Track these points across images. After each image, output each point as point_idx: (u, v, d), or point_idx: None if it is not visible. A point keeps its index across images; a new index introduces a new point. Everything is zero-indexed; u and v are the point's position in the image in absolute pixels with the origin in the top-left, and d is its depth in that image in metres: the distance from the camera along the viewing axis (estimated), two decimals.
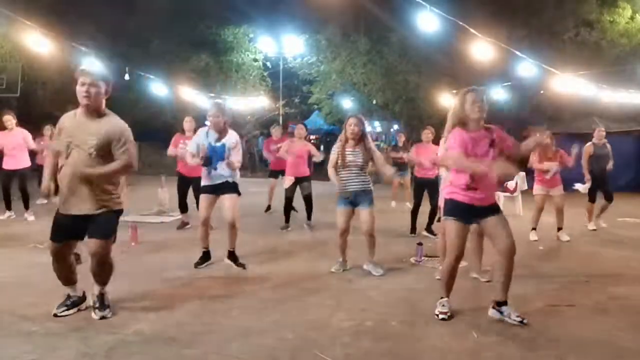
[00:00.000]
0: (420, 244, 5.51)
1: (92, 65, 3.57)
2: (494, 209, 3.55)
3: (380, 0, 14.08)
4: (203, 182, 4.95)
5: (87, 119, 3.43)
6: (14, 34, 12.81)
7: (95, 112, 3.43)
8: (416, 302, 4.01)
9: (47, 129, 9.23)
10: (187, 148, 5.15)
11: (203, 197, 4.93)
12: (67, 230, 3.50)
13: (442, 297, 3.68)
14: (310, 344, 3.12)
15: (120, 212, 3.60)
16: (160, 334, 3.23)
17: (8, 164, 7.69)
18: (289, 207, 7.31)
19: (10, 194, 7.75)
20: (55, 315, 3.48)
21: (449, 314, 3.59)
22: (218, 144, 4.82)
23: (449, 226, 3.57)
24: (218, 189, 4.88)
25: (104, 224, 3.45)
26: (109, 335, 3.17)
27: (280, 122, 21.53)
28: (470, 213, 3.51)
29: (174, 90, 13.27)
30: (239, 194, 4.96)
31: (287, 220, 7.29)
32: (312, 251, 5.88)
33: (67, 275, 3.61)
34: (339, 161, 4.80)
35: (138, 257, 5.35)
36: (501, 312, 3.55)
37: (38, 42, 7.91)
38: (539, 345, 3.17)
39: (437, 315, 3.59)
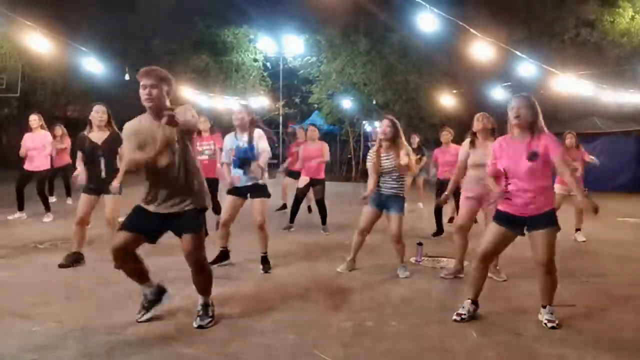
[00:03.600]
0: (420, 243, 5.50)
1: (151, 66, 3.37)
2: (543, 221, 3.43)
3: (380, 1, 14.09)
4: (230, 185, 4.87)
5: (152, 122, 3.25)
6: (14, 34, 12.83)
7: (160, 114, 3.17)
8: (416, 302, 4.00)
9: (58, 129, 9.21)
10: (222, 161, 5.11)
11: (230, 199, 4.85)
12: (144, 222, 3.35)
13: (468, 298, 3.65)
14: (310, 344, 3.11)
15: (205, 209, 3.48)
16: (160, 334, 3.22)
17: (28, 165, 7.65)
18: (297, 207, 7.29)
19: (24, 195, 7.69)
20: (138, 321, 3.41)
21: (464, 316, 3.54)
22: (247, 146, 4.75)
23: (489, 227, 3.63)
24: (247, 192, 4.82)
25: (192, 220, 3.35)
26: (109, 335, 3.16)
27: (280, 121, 21.58)
28: (511, 221, 3.47)
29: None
30: (269, 196, 4.90)
31: (292, 220, 7.26)
32: (315, 251, 5.88)
33: (139, 272, 3.50)
34: (376, 165, 4.72)
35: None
36: (541, 314, 3.58)
37: (38, 42, 7.91)
38: (540, 345, 3.16)
39: (453, 316, 3.55)
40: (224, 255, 5.03)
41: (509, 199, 3.45)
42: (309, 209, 7.77)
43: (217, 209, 6.37)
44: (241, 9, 18.71)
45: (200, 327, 3.33)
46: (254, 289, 4.29)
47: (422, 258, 5.41)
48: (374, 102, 17.54)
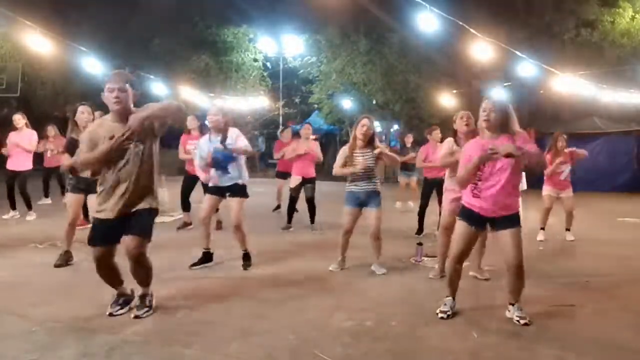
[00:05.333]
0: (420, 244, 5.51)
1: (117, 70, 3.50)
2: (509, 221, 3.49)
3: (380, 1, 14.08)
4: (211, 183, 4.91)
5: (116, 125, 3.36)
6: (14, 34, 12.83)
7: (125, 117, 3.34)
8: (416, 302, 4.01)
9: (51, 130, 9.23)
10: (196, 163, 5.10)
11: (208, 197, 4.91)
12: (108, 233, 3.41)
13: (446, 296, 3.71)
14: (310, 344, 3.11)
15: (156, 211, 3.56)
16: (160, 334, 3.23)
17: (10, 165, 7.71)
18: (292, 207, 7.31)
19: (14, 194, 7.77)
20: (111, 314, 3.49)
21: (449, 312, 3.61)
22: (223, 147, 4.77)
23: (457, 227, 3.66)
24: (226, 191, 4.86)
25: (141, 222, 3.42)
26: (109, 335, 3.17)
27: (280, 121, 21.57)
28: (479, 220, 3.53)
29: (174, 90, 13.28)
30: (247, 196, 4.93)
31: (290, 220, 7.28)
32: (313, 251, 5.88)
33: (114, 278, 3.59)
34: (348, 162, 4.80)
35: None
36: (509, 311, 3.61)
37: (38, 42, 7.91)
38: (539, 345, 3.16)
39: (437, 313, 3.61)
40: (207, 257, 5.01)
41: (477, 197, 3.48)
42: (296, 210, 7.81)
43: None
44: (241, 8, 18.69)
45: (136, 317, 3.45)
46: (253, 289, 4.29)
47: (422, 258, 5.41)
48: (374, 102, 17.54)
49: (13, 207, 7.79)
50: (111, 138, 3.29)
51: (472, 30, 7.32)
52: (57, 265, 4.86)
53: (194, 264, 4.91)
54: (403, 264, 5.32)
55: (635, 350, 3.14)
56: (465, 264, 4.92)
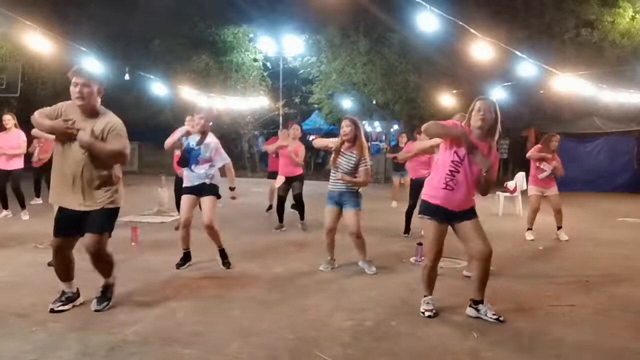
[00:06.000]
0: (420, 244, 5.49)
1: (86, 65, 3.54)
2: (470, 213, 3.56)
3: (380, 1, 14.08)
4: (184, 184, 4.99)
5: (82, 118, 3.41)
6: (14, 34, 12.81)
7: (89, 112, 3.42)
8: (416, 302, 3.99)
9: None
10: (174, 136, 5.09)
11: (184, 198, 4.95)
12: (68, 225, 3.48)
13: (425, 296, 3.71)
14: (310, 344, 3.11)
15: (116, 210, 3.60)
16: (160, 334, 3.22)
17: (2, 164, 7.72)
18: (281, 207, 7.34)
19: (6, 194, 7.80)
20: (52, 310, 3.51)
21: (434, 310, 3.64)
22: (196, 147, 4.85)
23: (425, 226, 3.64)
24: (198, 190, 4.91)
25: (99, 220, 3.47)
26: (109, 335, 3.17)
27: (280, 122, 21.56)
28: (444, 215, 3.54)
29: (174, 90, 13.28)
30: (219, 196, 4.97)
31: (281, 220, 7.31)
32: (312, 251, 5.87)
33: (66, 272, 3.64)
34: (332, 158, 4.89)
35: (138, 257, 5.35)
36: (478, 310, 3.60)
37: (38, 42, 7.90)
38: (539, 345, 3.17)
39: (423, 313, 3.63)
40: (187, 257, 5.04)
41: (451, 190, 3.48)
42: (292, 206, 7.85)
43: None
44: (241, 8, 18.68)
45: (97, 311, 3.51)
46: (253, 289, 4.29)
47: (422, 258, 5.40)
48: (374, 102, 17.55)
49: (5, 207, 7.82)
50: (65, 121, 3.33)
51: (472, 30, 7.31)
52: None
53: (179, 264, 4.94)
54: (403, 264, 5.32)
55: (635, 350, 3.14)
56: (464, 264, 4.95)
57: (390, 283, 4.57)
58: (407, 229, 7.02)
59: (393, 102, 17.07)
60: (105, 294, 3.67)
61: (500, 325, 3.48)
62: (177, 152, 6.87)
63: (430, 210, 3.57)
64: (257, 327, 3.38)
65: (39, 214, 7.86)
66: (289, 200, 7.44)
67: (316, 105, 19.85)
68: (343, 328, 3.40)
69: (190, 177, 4.91)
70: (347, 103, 17.64)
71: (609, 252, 6.12)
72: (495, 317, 3.52)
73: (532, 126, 15.22)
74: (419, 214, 3.70)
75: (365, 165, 4.80)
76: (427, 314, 3.61)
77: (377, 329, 3.40)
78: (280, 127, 21.39)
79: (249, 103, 18.43)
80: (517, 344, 3.18)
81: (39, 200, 9.32)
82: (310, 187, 7.70)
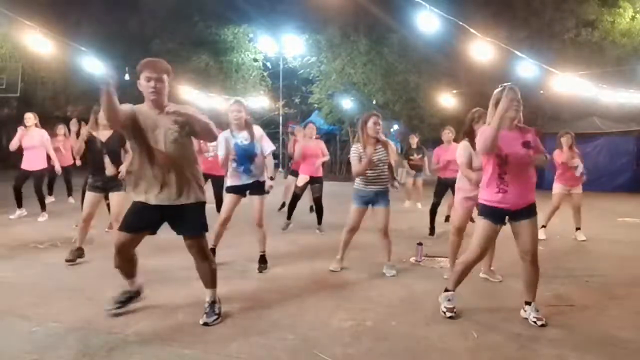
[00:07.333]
0: (420, 244, 5.51)
1: (155, 59, 3.32)
2: (529, 211, 3.49)
3: (380, 1, 14.08)
4: (230, 182, 4.83)
5: (155, 112, 3.21)
6: (14, 34, 12.83)
7: (160, 106, 3.20)
8: (416, 302, 4.01)
9: (61, 128, 9.19)
10: (219, 154, 4.89)
11: (230, 197, 4.82)
12: (145, 221, 3.34)
13: (447, 290, 3.68)
14: (310, 344, 3.11)
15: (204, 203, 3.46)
16: (160, 334, 3.22)
17: (24, 164, 7.66)
18: (294, 204, 7.29)
19: (22, 193, 7.71)
20: (113, 313, 3.49)
21: (455, 310, 3.61)
22: (246, 143, 4.69)
23: (480, 225, 3.57)
24: (247, 189, 4.79)
25: (197, 219, 3.36)
26: (109, 335, 3.17)
27: (280, 122, 21.58)
28: (502, 216, 3.50)
29: (174, 90, 13.27)
30: (268, 192, 4.89)
31: (290, 217, 7.25)
32: (313, 251, 5.88)
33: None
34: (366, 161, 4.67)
35: (138, 257, 5.33)
36: (524, 311, 3.59)
37: (38, 42, 7.91)
38: (539, 345, 3.17)
39: (444, 312, 3.60)
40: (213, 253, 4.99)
41: (505, 191, 3.45)
42: (311, 209, 7.84)
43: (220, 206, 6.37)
44: (241, 8, 18.72)
45: (205, 324, 3.37)
46: (253, 289, 4.29)
47: (422, 258, 5.41)
48: (374, 102, 17.53)
49: (19, 206, 7.72)
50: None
51: (472, 30, 7.31)
52: (67, 260, 4.90)
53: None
54: (403, 264, 5.31)
55: (635, 350, 3.14)
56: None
57: (391, 283, 4.57)
58: (432, 229, 6.93)
59: (393, 102, 17.06)
60: (214, 309, 3.46)
61: (500, 325, 3.48)
62: (207, 155, 6.75)
63: (487, 211, 3.53)
64: (257, 327, 3.38)
65: (49, 214, 7.83)
66: (304, 201, 7.38)
67: (316, 105, 19.83)
68: (343, 328, 3.40)
69: (242, 176, 4.74)
70: (347, 103, 17.63)
71: (609, 252, 6.12)
72: (534, 319, 3.48)
73: (532, 126, 15.21)
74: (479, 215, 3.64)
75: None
76: (448, 314, 3.60)
77: (377, 329, 3.40)
78: (280, 127, 21.49)
79: (249, 103, 18.43)
80: (517, 344, 3.18)
81: (52, 199, 9.30)
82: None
